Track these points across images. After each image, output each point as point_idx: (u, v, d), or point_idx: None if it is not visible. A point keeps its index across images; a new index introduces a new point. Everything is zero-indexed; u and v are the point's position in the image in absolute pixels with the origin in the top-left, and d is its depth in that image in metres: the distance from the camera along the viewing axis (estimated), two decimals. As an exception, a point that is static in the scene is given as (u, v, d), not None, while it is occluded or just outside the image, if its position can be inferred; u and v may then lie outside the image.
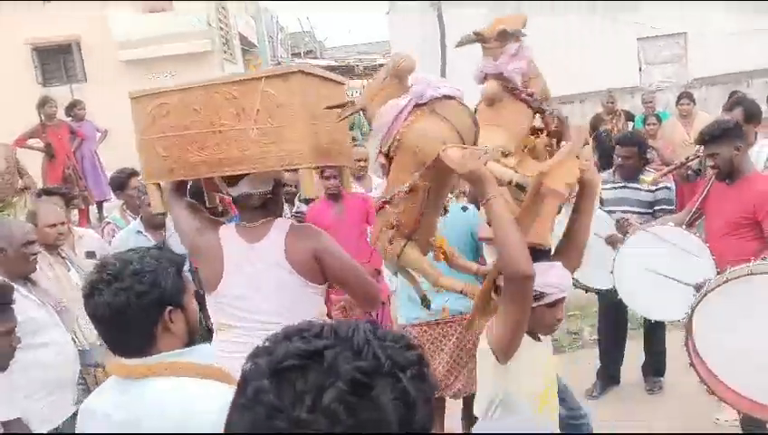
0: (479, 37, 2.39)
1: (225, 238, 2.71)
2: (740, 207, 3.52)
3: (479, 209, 2.71)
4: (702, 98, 9.86)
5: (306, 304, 2.67)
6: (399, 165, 2.22)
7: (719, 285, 2.65)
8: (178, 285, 1.68)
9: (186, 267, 1.82)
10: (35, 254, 3.19)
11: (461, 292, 2.35)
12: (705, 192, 3.78)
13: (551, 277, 2.19)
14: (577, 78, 11.13)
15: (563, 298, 2.26)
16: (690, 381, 4.47)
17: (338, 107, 2.42)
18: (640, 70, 12.09)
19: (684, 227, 3.75)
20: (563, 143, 2.42)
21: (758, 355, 2.53)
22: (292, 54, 22.53)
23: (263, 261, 2.66)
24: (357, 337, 0.83)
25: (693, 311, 2.76)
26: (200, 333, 1.80)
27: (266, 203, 2.70)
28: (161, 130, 2.68)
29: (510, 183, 2.15)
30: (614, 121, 8.28)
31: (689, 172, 4.93)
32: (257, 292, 2.65)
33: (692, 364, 2.78)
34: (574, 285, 4.39)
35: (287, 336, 0.86)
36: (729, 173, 3.59)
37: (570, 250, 2.36)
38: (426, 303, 2.59)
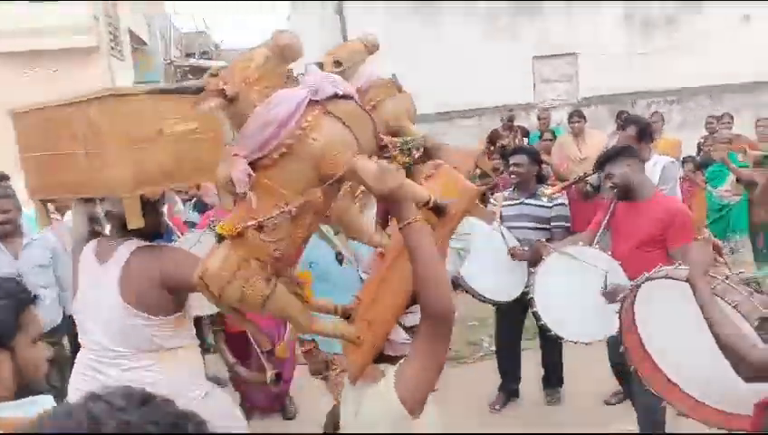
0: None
1: (84, 255, 2.64)
2: (647, 226, 3.63)
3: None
4: (592, 116, 10.30)
5: (141, 337, 2.53)
6: (283, 177, 1.66)
7: (646, 281, 2.61)
8: (8, 322, 1.42)
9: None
10: None
11: (340, 336, 1.85)
12: (610, 211, 3.88)
13: None
14: (475, 92, 11.37)
15: None
16: (588, 391, 4.70)
17: (197, 99, 1.75)
18: (534, 87, 12.52)
19: (596, 246, 3.83)
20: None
21: (695, 354, 2.49)
22: (186, 54, 21.72)
23: (102, 285, 2.55)
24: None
25: (633, 301, 2.72)
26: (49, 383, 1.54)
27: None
28: (30, 149, 2.66)
29: (427, 204, 1.85)
30: (511, 137, 8.48)
31: (588, 189, 5.08)
32: (93, 316, 2.60)
33: (632, 362, 2.74)
34: (478, 298, 4.42)
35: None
36: (628, 191, 3.75)
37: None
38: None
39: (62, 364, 4.25)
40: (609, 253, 3.75)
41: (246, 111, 1.66)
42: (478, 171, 4.60)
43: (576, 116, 7.86)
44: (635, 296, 2.71)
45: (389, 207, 1.83)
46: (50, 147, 2.57)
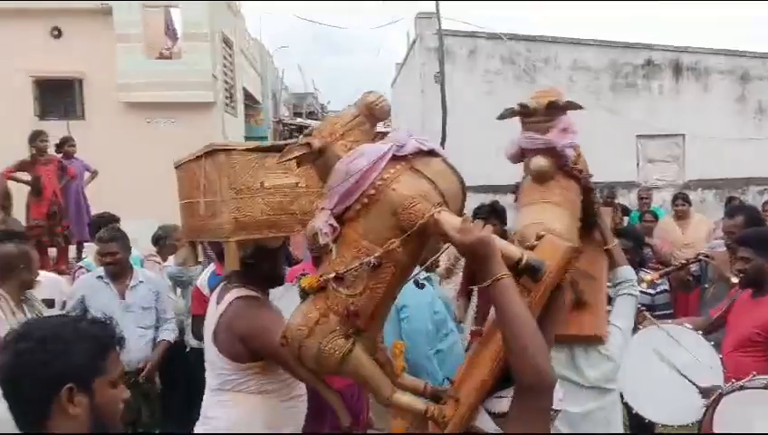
0: (525, 110, 2.21)
1: (213, 293, 2.88)
2: (757, 322, 3.31)
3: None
4: (698, 200, 9.90)
5: (222, 377, 2.68)
6: (365, 228, 1.65)
7: (734, 391, 2.43)
8: (93, 365, 1.44)
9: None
10: None
11: (426, 415, 1.74)
12: (732, 302, 3.56)
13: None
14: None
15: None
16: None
17: (284, 151, 1.87)
18: (638, 166, 12.20)
19: (701, 333, 3.50)
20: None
21: None
22: (294, 113, 22.77)
23: (209, 323, 2.75)
24: None
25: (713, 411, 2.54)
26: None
27: (250, 268, 2.66)
28: (181, 196, 2.99)
29: (518, 264, 1.68)
30: (611, 215, 8.23)
31: (689, 278, 4.80)
32: (206, 353, 2.80)
33: None
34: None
35: None
36: (756, 283, 3.41)
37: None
38: None
39: (152, 401, 4.40)
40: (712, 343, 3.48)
41: (332, 163, 1.72)
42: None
43: (681, 199, 7.55)
44: (717, 403, 2.52)
45: (475, 266, 1.67)
46: (187, 195, 2.87)
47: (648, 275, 4.41)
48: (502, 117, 2.22)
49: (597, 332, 2.02)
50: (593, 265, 2.38)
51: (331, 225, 1.67)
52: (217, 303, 2.77)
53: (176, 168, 3.02)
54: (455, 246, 1.66)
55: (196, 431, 2.78)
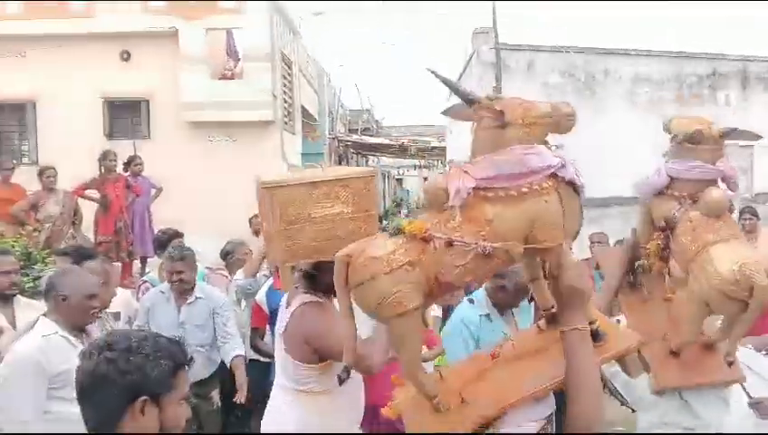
0: (694, 138, 2.15)
1: (282, 298, 3.19)
2: None
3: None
4: (766, 214, 9.48)
5: (290, 376, 2.99)
6: (499, 216, 1.65)
7: None
8: (166, 381, 1.55)
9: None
10: (96, 308, 3.23)
11: (432, 401, 1.74)
12: None
13: None
14: (635, 179, 10.91)
15: None
16: None
17: (475, 106, 1.77)
18: (704, 179, 11.81)
19: (765, 352, 3.40)
20: None
21: None
22: (349, 130, 23.02)
23: (280, 325, 3.07)
24: None
25: None
26: None
27: (311, 278, 2.99)
28: (262, 218, 3.32)
29: (591, 323, 1.76)
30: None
31: None
32: (276, 353, 3.15)
33: None
34: (622, 402, 4.06)
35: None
36: None
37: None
38: None
39: (204, 419, 4.46)
40: None
41: (503, 142, 1.70)
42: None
43: (748, 213, 7.27)
44: None
45: (561, 307, 1.73)
46: (262, 219, 3.22)
47: None
48: (673, 137, 2.10)
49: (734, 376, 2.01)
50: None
51: (469, 192, 1.65)
52: (287, 307, 3.05)
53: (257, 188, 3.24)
54: (557, 279, 1.69)
55: (263, 431, 3.07)
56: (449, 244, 1.61)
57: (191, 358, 1.64)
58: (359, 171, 3.02)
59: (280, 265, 2.83)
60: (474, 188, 1.65)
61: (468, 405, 1.74)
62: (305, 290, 3.02)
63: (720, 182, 2.35)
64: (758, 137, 2.07)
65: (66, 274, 3.30)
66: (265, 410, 3.14)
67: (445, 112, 1.93)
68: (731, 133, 2.09)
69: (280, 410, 3.03)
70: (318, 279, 2.95)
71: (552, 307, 1.86)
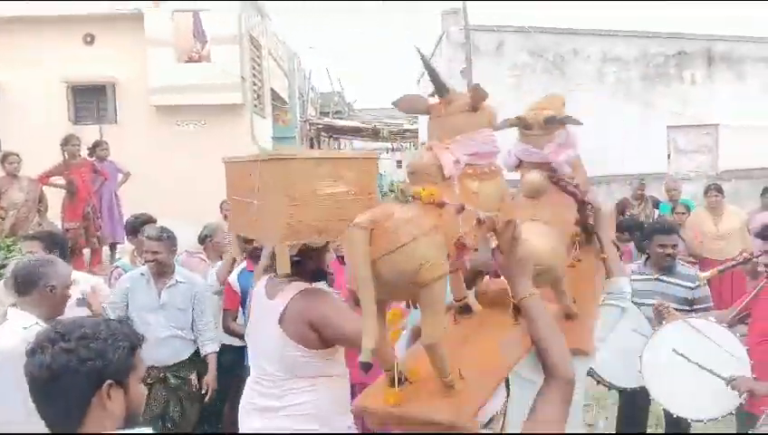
0: (521, 122, 2.22)
1: (256, 289, 2.99)
2: None
3: None
4: (731, 191, 9.70)
5: (297, 365, 2.80)
6: (480, 190, 1.77)
7: None
8: (128, 362, 1.54)
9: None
10: (68, 297, 3.16)
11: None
12: (755, 293, 3.56)
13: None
14: (604, 160, 11.07)
15: None
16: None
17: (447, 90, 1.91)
18: (669, 157, 12.01)
19: (725, 325, 3.50)
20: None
21: None
22: (321, 113, 22.87)
23: (268, 317, 2.84)
24: None
25: None
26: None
27: (296, 265, 2.77)
28: (231, 192, 3.12)
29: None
30: (641, 207, 8.13)
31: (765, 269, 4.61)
32: (259, 343, 2.93)
33: None
34: (596, 380, 4.14)
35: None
36: None
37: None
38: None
39: (184, 399, 4.46)
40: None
41: (475, 124, 1.82)
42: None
43: (714, 190, 7.41)
44: None
45: (516, 279, 1.79)
46: (240, 193, 2.97)
47: (704, 274, 4.27)
48: (498, 128, 2.21)
49: (579, 345, 1.98)
50: (587, 277, 2.33)
51: (466, 162, 1.76)
52: (270, 297, 2.88)
53: (226, 163, 3.12)
54: (509, 254, 1.77)
55: (272, 423, 2.85)
56: (461, 209, 1.66)
57: (142, 337, 1.64)
58: (362, 153, 3.01)
59: (278, 244, 2.63)
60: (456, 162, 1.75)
61: (468, 385, 1.69)
62: (294, 278, 2.85)
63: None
64: (579, 123, 2.16)
65: (53, 263, 3.16)
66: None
67: (395, 104, 1.96)
68: (554, 120, 2.15)
69: (297, 401, 2.82)
70: (301, 266, 2.82)
71: (464, 298, 1.96)
